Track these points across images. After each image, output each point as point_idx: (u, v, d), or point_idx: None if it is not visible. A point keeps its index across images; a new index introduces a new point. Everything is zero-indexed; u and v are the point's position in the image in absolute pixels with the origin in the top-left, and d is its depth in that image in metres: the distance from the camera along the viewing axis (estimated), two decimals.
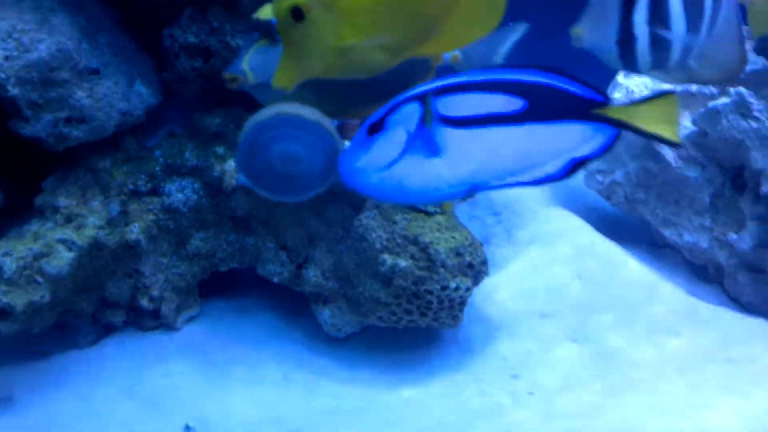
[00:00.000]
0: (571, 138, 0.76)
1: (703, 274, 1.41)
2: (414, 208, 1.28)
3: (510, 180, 0.76)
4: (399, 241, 1.26)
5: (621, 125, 0.76)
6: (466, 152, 0.75)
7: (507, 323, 1.34)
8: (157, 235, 1.31)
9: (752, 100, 1.26)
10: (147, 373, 1.28)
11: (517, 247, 1.46)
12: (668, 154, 1.36)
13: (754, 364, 1.18)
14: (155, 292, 1.32)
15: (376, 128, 0.77)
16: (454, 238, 1.26)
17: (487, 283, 1.41)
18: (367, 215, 1.28)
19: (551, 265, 1.40)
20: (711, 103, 1.29)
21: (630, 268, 1.38)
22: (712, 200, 1.35)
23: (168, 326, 1.35)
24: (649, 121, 0.76)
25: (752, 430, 1.08)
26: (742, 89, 1.27)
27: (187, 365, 1.29)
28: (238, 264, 1.36)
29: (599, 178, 1.49)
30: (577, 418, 1.15)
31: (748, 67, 1.32)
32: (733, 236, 1.31)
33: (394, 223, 1.27)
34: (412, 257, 1.25)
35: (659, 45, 0.75)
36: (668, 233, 1.40)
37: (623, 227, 1.51)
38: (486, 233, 1.54)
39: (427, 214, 1.28)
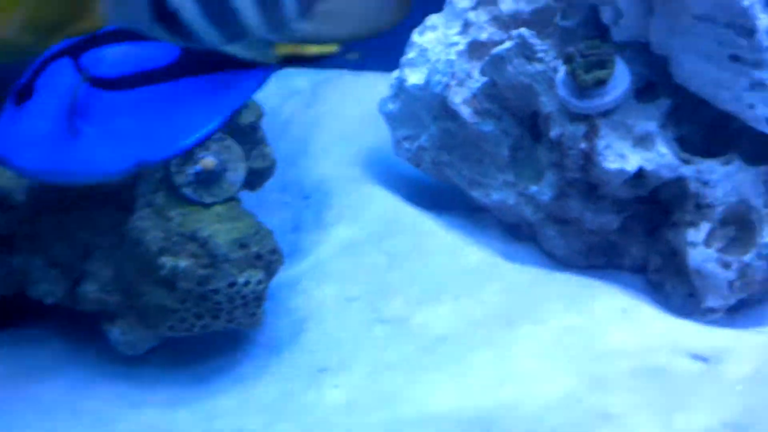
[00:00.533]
0: (228, 88, 0.66)
1: (518, 232, 1.35)
2: (189, 201, 1.16)
3: (177, 147, 0.66)
4: (176, 239, 1.15)
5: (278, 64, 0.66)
6: (124, 121, 0.64)
7: (314, 313, 1.25)
8: None
9: (534, 40, 1.19)
10: None
11: (325, 230, 1.37)
12: (463, 110, 1.28)
13: (559, 322, 1.12)
14: None
15: (25, 95, 0.65)
16: (236, 228, 1.15)
17: (292, 271, 1.31)
18: (139, 215, 1.16)
19: (357, 245, 1.32)
20: (494, 50, 1.22)
21: (437, 236, 1.30)
22: (512, 153, 1.28)
23: None
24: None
25: (561, 399, 1.02)
26: (523, 30, 1.20)
27: None
28: (6, 289, 1.22)
29: (406, 145, 1.40)
30: (380, 407, 1.07)
31: (531, 6, 1.25)
32: (533, 188, 1.24)
33: (169, 219, 1.15)
34: (193, 255, 1.14)
35: (218, 17, 0.55)
36: (476, 194, 1.32)
37: (438, 194, 1.44)
38: (297, 219, 1.44)
39: (204, 205, 1.16)
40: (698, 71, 1.09)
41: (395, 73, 1.40)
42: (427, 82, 1.33)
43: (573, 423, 1.01)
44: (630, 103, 1.15)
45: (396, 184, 1.45)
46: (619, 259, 1.28)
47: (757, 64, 1.04)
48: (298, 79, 1.69)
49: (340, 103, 1.61)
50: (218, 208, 1.16)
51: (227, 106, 0.68)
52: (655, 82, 1.17)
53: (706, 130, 1.19)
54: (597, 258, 1.28)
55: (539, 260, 1.29)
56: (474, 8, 1.28)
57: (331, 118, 1.57)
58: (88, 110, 0.65)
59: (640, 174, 1.16)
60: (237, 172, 1.18)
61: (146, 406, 1.16)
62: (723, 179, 1.14)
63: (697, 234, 1.15)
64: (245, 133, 1.21)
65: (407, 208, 1.36)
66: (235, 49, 0.58)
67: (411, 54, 1.37)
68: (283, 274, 1.30)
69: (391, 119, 1.41)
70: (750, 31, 1.02)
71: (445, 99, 1.30)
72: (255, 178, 1.27)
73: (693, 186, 1.14)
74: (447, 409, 1.05)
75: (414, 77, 1.36)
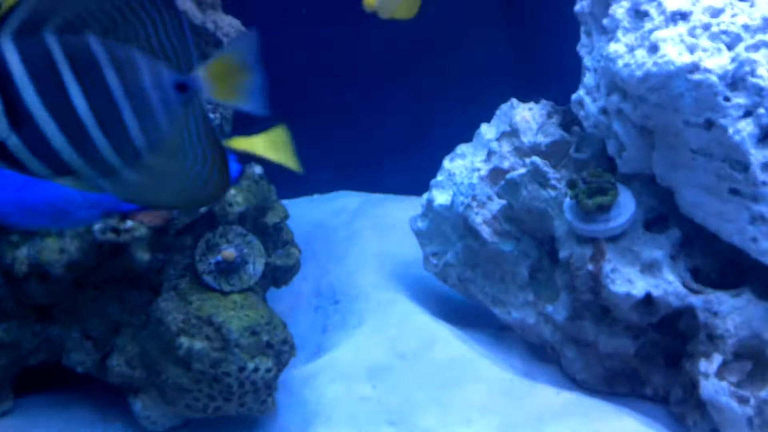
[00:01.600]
0: None
1: (542, 353, 1.35)
2: (209, 288, 1.25)
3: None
4: (194, 321, 1.22)
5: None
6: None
7: (325, 409, 1.28)
8: None
9: (547, 168, 1.25)
10: None
11: (347, 333, 1.42)
12: (484, 230, 1.34)
13: None
14: None
15: None
16: (248, 316, 1.22)
17: (311, 368, 1.36)
18: (164, 297, 1.25)
19: (375, 347, 1.36)
20: (508, 175, 1.28)
21: (452, 347, 1.33)
22: (531, 273, 1.31)
23: None
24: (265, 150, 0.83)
25: None
26: (535, 158, 1.26)
27: None
28: (46, 356, 1.31)
29: (434, 261, 1.46)
30: None
31: (548, 139, 1.32)
32: (549, 308, 1.26)
33: (190, 303, 1.23)
34: (207, 338, 1.21)
35: (40, 154, 0.56)
36: (498, 312, 1.35)
37: (465, 310, 1.47)
38: (326, 322, 1.50)
39: (223, 293, 1.24)
40: (701, 204, 1.12)
41: (425, 194, 1.48)
42: (452, 203, 1.40)
43: None
44: (638, 231, 1.18)
45: (424, 297, 1.50)
46: (641, 387, 1.26)
47: (755, 198, 1.06)
48: (348, 199, 1.81)
49: (380, 220, 1.70)
50: (235, 297, 1.24)
51: None
52: (666, 213, 1.20)
53: (722, 262, 1.20)
54: (619, 385, 1.27)
55: (558, 383, 1.29)
56: (498, 139, 1.36)
57: (370, 233, 1.66)
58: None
59: (649, 300, 1.17)
60: (256, 266, 1.26)
61: None
62: (732, 311, 1.13)
63: (709, 365, 1.13)
64: (269, 232, 1.30)
65: (426, 318, 1.40)
66: (66, 182, 0.61)
67: (439, 177, 1.46)
68: (301, 369, 1.35)
69: (421, 236, 1.48)
70: (745, 166, 1.05)
71: (467, 219, 1.36)
72: (279, 274, 1.35)
73: (702, 316, 1.13)
74: None
75: (441, 198, 1.43)
